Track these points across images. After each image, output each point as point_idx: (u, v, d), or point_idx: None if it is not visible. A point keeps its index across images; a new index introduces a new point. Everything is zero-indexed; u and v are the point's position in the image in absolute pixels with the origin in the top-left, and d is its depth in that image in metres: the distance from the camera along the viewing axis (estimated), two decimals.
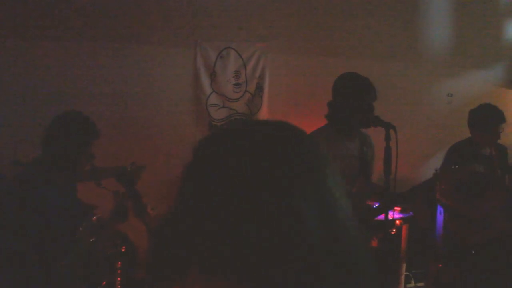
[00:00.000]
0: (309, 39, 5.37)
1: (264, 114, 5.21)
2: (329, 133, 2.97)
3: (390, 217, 4.37)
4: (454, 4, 6.28)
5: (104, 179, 3.40)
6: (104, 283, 3.15)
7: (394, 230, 4.62)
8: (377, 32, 5.70)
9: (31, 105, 4.36)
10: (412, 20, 5.97)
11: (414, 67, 6.02)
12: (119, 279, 3.41)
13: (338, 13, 5.48)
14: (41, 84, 4.40)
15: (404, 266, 4.74)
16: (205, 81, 4.92)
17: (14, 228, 2.38)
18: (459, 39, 6.27)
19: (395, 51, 5.87)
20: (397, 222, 4.68)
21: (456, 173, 3.49)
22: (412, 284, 5.42)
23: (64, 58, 4.46)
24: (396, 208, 4.34)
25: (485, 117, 4.04)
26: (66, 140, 2.60)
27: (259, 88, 5.17)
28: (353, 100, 2.86)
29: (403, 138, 5.19)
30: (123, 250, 3.67)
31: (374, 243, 3.18)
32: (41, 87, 4.40)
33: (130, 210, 3.01)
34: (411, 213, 4.81)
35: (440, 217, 4.26)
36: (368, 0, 5.62)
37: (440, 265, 4.10)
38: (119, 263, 3.61)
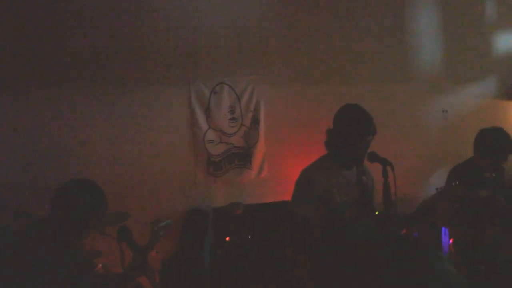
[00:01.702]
0: (302, 68, 5.42)
1: (261, 146, 5.22)
2: (327, 163, 2.99)
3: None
4: (443, 20, 6.36)
5: (106, 226, 3.40)
6: None
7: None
8: (369, 56, 5.76)
9: (29, 152, 4.42)
10: (403, 41, 6.04)
11: (408, 86, 6.07)
12: None
13: (329, 40, 5.55)
14: (36, 129, 4.46)
15: None
16: (201, 118, 4.96)
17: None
18: (450, 55, 6.34)
19: (389, 72, 5.92)
20: None
21: (456, 191, 3.45)
22: None
23: (58, 102, 4.54)
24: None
25: (495, 145, 3.71)
26: (77, 208, 2.57)
27: (255, 121, 5.19)
28: (351, 130, 2.88)
29: (402, 156, 5.22)
30: None
31: None
32: (36, 131, 4.46)
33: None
34: (416, 234, 4.78)
35: (445, 237, 4.23)
36: (358, 26, 5.69)
37: None
38: None
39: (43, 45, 4.43)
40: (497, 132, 3.78)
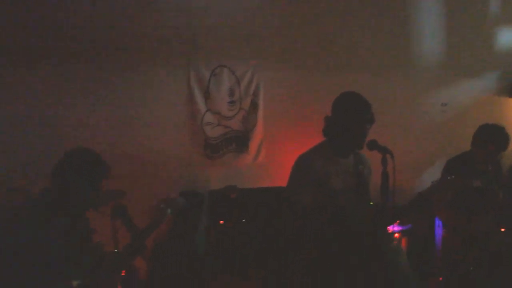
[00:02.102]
0: (302, 55, 5.38)
1: (259, 131, 5.22)
2: (325, 150, 2.98)
3: (389, 231, 4.39)
4: (444, 14, 6.33)
5: (101, 204, 3.39)
6: None
7: (394, 243, 4.62)
8: (369, 46, 5.73)
9: (25, 130, 4.36)
10: (404, 32, 6.01)
11: (408, 78, 6.06)
12: None
13: (330, 28, 5.50)
14: (36, 109, 4.38)
15: None
16: (200, 99, 4.92)
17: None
18: (451, 49, 6.32)
19: (389, 63, 5.90)
20: (396, 235, 4.69)
21: (452, 184, 3.47)
22: None
23: (58, 84, 4.45)
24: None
25: (493, 141, 3.90)
26: (79, 178, 2.57)
27: (254, 105, 5.17)
28: (349, 118, 2.86)
29: (400, 148, 5.21)
30: (122, 274, 3.67)
31: None
32: (36, 112, 4.38)
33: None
34: (409, 225, 4.81)
35: (438, 230, 4.25)
36: (359, 15, 5.65)
37: (441, 279, 4.09)
38: (119, 286, 3.60)
39: (40, 26, 4.35)
40: (499, 128, 3.96)
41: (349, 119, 2.86)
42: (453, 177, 3.45)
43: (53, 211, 2.47)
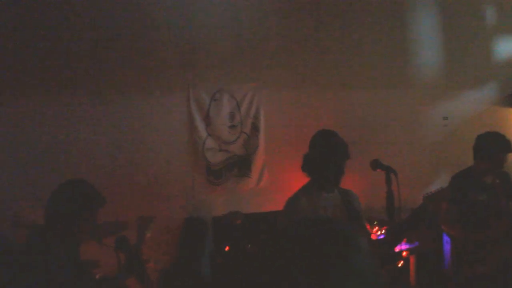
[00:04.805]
0: (301, 74, 5.39)
1: (261, 154, 5.18)
2: (309, 188, 3.10)
3: (396, 249, 4.33)
4: (443, 27, 6.36)
5: (104, 236, 3.36)
6: None
7: (401, 262, 4.55)
8: (369, 62, 5.75)
9: (28, 159, 4.35)
10: (403, 47, 6.03)
11: (408, 92, 6.05)
12: None
13: (327, 46, 5.53)
14: (37, 137, 4.40)
15: None
16: (200, 125, 4.91)
17: None
18: (449, 62, 6.34)
19: (389, 78, 5.90)
20: (404, 253, 4.62)
21: (443, 195, 3.41)
22: None
23: (58, 110, 4.48)
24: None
25: (492, 147, 3.83)
26: (71, 210, 2.57)
27: (255, 128, 5.15)
28: (323, 155, 3.01)
29: (402, 164, 5.22)
30: None
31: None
32: (37, 140, 4.39)
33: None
34: (416, 243, 4.75)
35: (447, 246, 4.19)
36: (356, 31, 5.68)
37: None
38: None
39: (44, 50, 4.38)
40: (492, 135, 3.90)
41: (324, 156, 3.01)
42: (443, 187, 3.42)
43: (49, 241, 2.47)
